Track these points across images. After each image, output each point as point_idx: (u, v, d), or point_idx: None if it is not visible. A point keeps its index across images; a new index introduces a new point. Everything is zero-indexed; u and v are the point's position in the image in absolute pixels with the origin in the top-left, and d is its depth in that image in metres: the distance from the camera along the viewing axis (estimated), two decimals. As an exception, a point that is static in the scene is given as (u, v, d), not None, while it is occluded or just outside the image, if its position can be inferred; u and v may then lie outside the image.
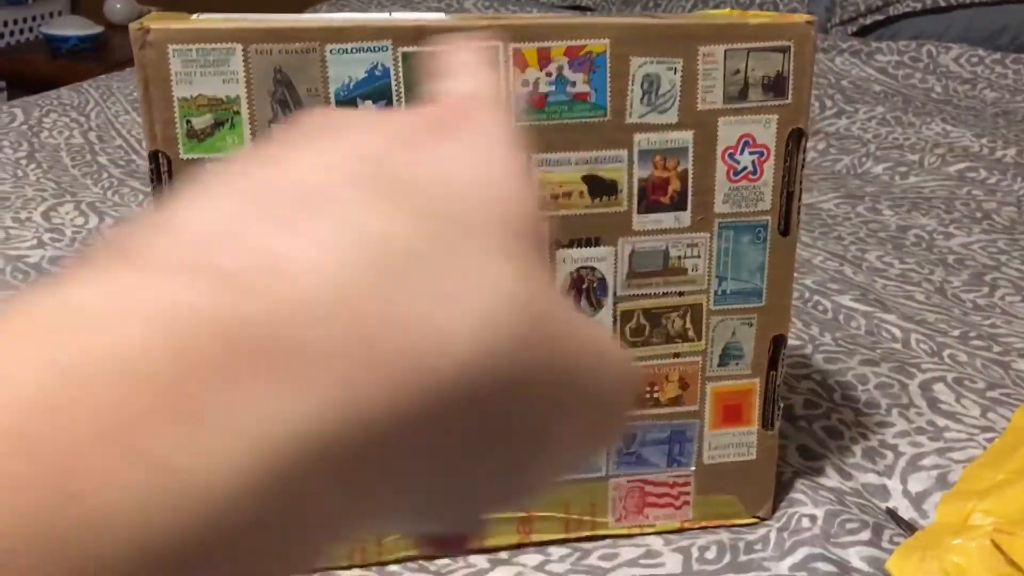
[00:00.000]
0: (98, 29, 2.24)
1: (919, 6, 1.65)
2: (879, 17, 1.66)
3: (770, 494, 0.59)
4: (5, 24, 2.39)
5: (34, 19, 2.47)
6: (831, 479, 0.62)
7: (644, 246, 0.53)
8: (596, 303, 0.53)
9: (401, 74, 0.48)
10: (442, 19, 0.49)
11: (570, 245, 0.52)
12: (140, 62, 0.45)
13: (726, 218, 0.53)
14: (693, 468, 0.57)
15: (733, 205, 0.53)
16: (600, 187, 0.51)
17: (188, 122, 0.46)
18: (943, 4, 1.63)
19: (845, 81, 1.44)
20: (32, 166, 1.09)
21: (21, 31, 2.43)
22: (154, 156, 0.47)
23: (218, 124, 0.47)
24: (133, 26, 0.45)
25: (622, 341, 0.54)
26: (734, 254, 0.54)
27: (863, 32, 1.67)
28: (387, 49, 0.47)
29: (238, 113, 0.47)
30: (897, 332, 0.78)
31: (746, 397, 0.57)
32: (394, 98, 0.48)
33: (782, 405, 0.58)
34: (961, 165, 1.14)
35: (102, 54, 2.19)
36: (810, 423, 0.67)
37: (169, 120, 0.46)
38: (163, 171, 0.47)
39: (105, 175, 1.08)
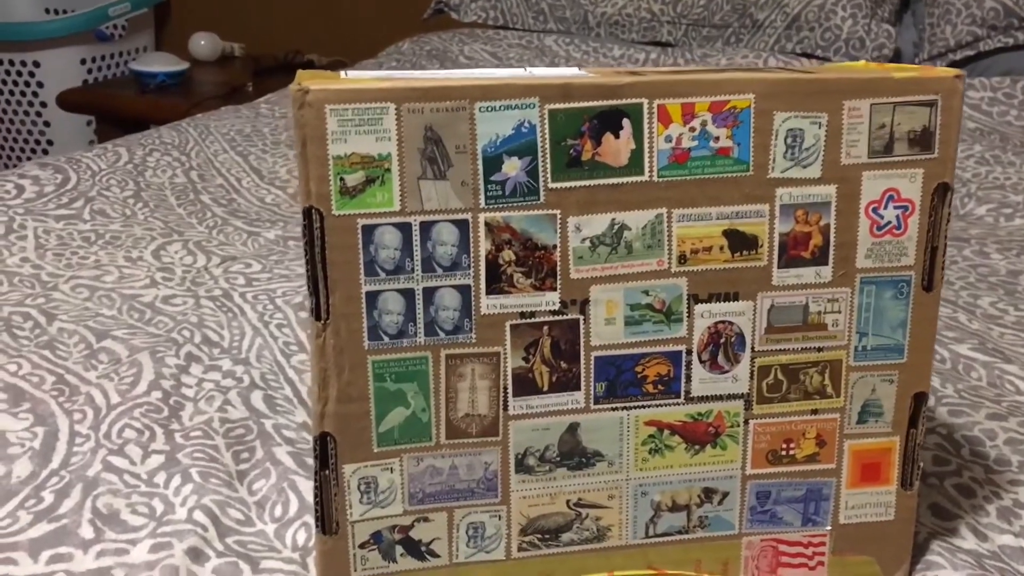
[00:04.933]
0: (184, 66, 2.31)
1: (1011, 41, 1.62)
2: (969, 53, 1.63)
3: (907, 556, 0.57)
4: (94, 60, 2.48)
5: (120, 55, 2.55)
6: (967, 540, 0.60)
7: (783, 301, 0.52)
8: (733, 358, 0.53)
9: (547, 130, 0.48)
10: (585, 76, 0.50)
11: (709, 299, 0.51)
12: (299, 122, 0.46)
13: (868, 273, 0.52)
14: (829, 527, 0.56)
15: (876, 260, 0.52)
16: (741, 241, 0.51)
17: (341, 179, 0.47)
18: (1037, 38, 1.60)
19: (938, 117, 1.41)
20: (140, 205, 1.12)
21: (108, 66, 2.52)
22: (308, 212, 0.47)
23: (369, 181, 0.47)
24: (293, 87, 0.46)
25: (759, 396, 0.53)
26: (876, 309, 0.53)
27: (952, 67, 1.64)
28: (534, 106, 0.48)
29: (388, 170, 0.47)
30: (1021, 384, 0.76)
31: (885, 455, 0.55)
32: (539, 154, 0.48)
33: (921, 464, 0.56)
34: (1069, 205, 1.11)
35: (187, 90, 2.26)
36: (941, 480, 0.65)
37: (323, 177, 0.47)
38: (316, 227, 0.48)
39: (209, 214, 1.10)
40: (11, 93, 2.47)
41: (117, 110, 2.22)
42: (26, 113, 2.48)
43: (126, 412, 0.71)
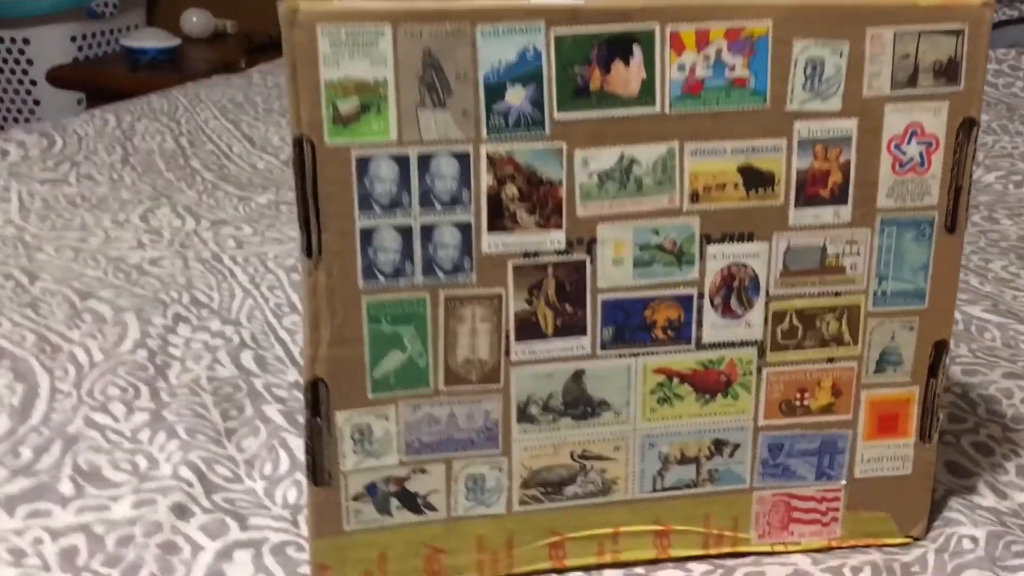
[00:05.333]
0: (176, 42, 2.27)
1: (1015, 14, 1.59)
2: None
3: (925, 512, 0.55)
4: (84, 37, 2.44)
5: (111, 32, 2.51)
6: (986, 498, 0.57)
7: (800, 242, 0.50)
8: (747, 302, 0.50)
9: (554, 57, 0.45)
10: None
11: (722, 240, 0.49)
12: (288, 43, 0.43)
13: (889, 213, 0.50)
14: (844, 482, 0.54)
15: (897, 199, 0.49)
16: (756, 179, 0.48)
17: (334, 106, 0.44)
18: (1043, 11, 1.57)
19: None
20: (127, 169, 1.09)
21: (99, 44, 2.48)
22: (298, 142, 0.45)
23: (364, 109, 0.45)
24: (283, 7, 0.43)
25: (773, 343, 0.51)
26: (896, 252, 0.50)
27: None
28: (539, 31, 0.45)
29: (384, 97, 0.45)
30: (1036, 344, 0.74)
31: (903, 406, 0.53)
32: (545, 82, 0.46)
33: (941, 417, 0.54)
34: (1079, 174, 1.09)
35: (179, 66, 2.22)
36: (957, 438, 0.62)
37: (315, 103, 0.44)
38: (307, 158, 0.45)
39: (199, 179, 1.08)
40: (0, 71, 2.43)
41: (107, 86, 2.18)
42: (16, 91, 2.44)
43: (110, 370, 0.69)
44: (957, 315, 0.78)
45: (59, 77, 2.24)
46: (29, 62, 2.40)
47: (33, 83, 2.41)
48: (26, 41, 2.38)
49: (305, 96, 0.44)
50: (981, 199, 1.05)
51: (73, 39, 2.40)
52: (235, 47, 2.36)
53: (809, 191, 0.49)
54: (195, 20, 2.44)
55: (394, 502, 0.50)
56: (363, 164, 0.45)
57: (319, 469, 0.49)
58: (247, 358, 0.72)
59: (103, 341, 0.73)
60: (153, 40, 2.25)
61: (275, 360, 0.72)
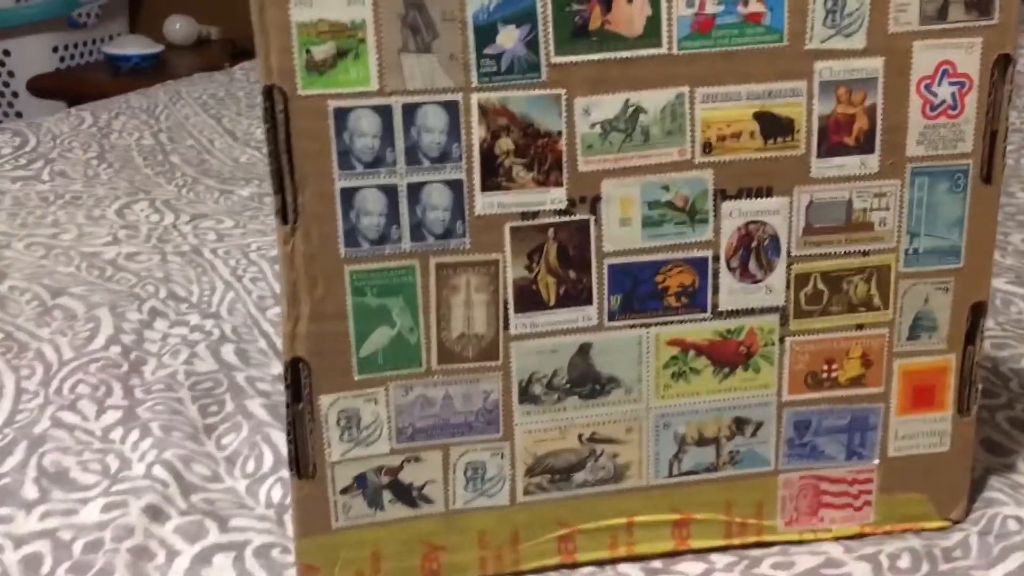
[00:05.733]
0: (159, 48, 2.23)
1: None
2: None
3: (964, 493, 0.50)
4: (66, 47, 2.40)
5: (94, 42, 2.47)
6: (1028, 476, 0.53)
7: (824, 196, 0.45)
8: (767, 264, 0.46)
9: (549, -7, 0.41)
10: (591, -67, 0.43)
11: (738, 195, 0.45)
12: (254, -21, 0.39)
13: (920, 162, 0.45)
14: (876, 461, 0.49)
15: (929, 147, 0.45)
16: (774, 126, 0.44)
17: (307, 51, 0.40)
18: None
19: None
20: (103, 166, 1.04)
21: (82, 54, 2.44)
22: (268, 92, 0.40)
23: (341, 54, 0.40)
24: (246, -63, 0.39)
25: (796, 310, 0.46)
26: (929, 206, 0.46)
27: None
28: (532, -36, 0.41)
29: (363, 41, 0.40)
30: (1067, 316, 0.69)
31: (940, 377, 0.49)
32: (539, 22, 0.41)
33: (980, 387, 0.49)
34: (1093, 146, 1.05)
35: (162, 73, 2.18)
36: (992, 414, 0.58)
37: (286, 48, 0.40)
38: (279, 109, 0.40)
39: (179, 174, 1.03)
40: (-19, 83, 2.39)
41: (90, 94, 2.13)
42: (-3, 103, 2.40)
43: (80, 368, 0.64)
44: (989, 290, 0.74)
45: (40, 86, 2.19)
46: (11, 74, 2.35)
47: (15, 95, 2.37)
48: (7, 52, 2.34)
49: (275, 41, 0.40)
50: (994, 174, 1.01)
51: (55, 49, 2.36)
52: (219, 53, 2.32)
53: (832, 139, 0.44)
54: (178, 27, 2.40)
55: (386, 495, 0.46)
56: (341, 116, 0.41)
57: (303, 460, 0.45)
58: (228, 352, 0.67)
59: (74, 338, 0.68)
60: (135, 47, 2.21)
61: (258, 353, 0.68)
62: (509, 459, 0.46)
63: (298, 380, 0.44)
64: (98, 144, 1.11)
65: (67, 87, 2.17)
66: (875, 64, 0.44)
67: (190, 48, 2.40)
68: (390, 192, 0.42)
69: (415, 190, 0.42)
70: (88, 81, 2.15)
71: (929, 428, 0.49)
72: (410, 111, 0.41)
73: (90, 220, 0.90)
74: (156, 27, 2.54)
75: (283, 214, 0.42)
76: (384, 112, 0.41)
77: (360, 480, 0.45)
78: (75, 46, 2.43)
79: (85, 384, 0.62)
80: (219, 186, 1.00)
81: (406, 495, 0.46)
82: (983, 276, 0.47)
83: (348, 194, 0.42)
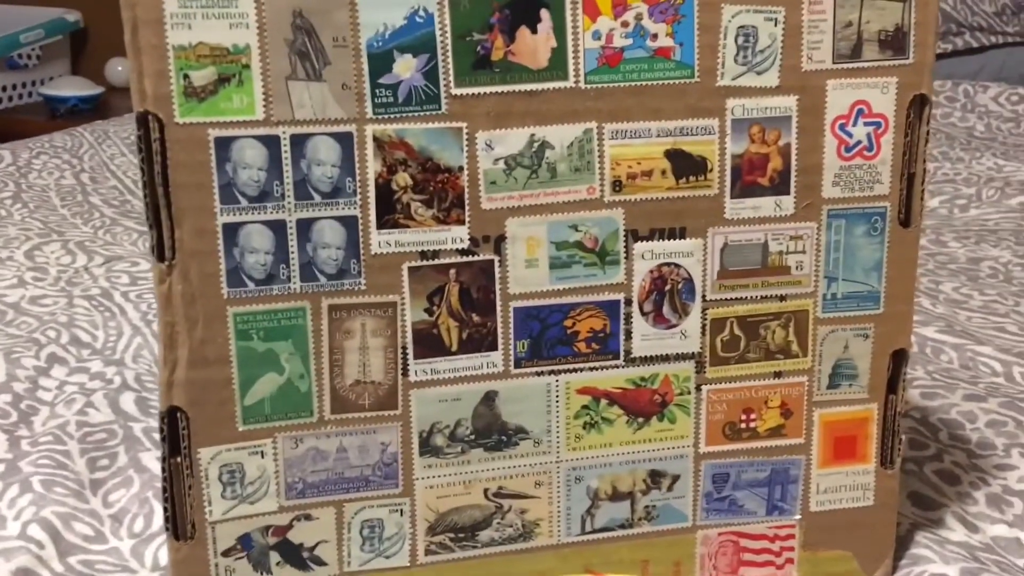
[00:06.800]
0: (99, 90, 2.19)
1: (949, 48, 1.59)
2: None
3: (890, 549, 0.48)
4: (4, 89, 2.34)
5: (33, 83, 2.42)
6: (955, 531, 0.51)
7: (738, 238, 0.43)
8: (681, 309, 0.44)
9: (448, 21, 0.39)
10: (495, -38, 0.41)
11: (650, 236, 0.43)
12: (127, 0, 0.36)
13: (837, 204, 0.44)
14: (798, 516, 0.47)
15: (845, 188, 0.44)
16: (686, 164, 0.42)
17: (186, 76, 0.37)
18: (975, 46, 1.57)
19: (880, 121, 1.37)
20: (18, 206, 1.00)
21: (20, 96, 2.38)
22: (143, 120, 0.37)
23: (223, 80, 0.38)
24: (119, -45, 0.36)
25: (712, 356, 0.44)
26: (846, 249, 0.44)
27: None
28: (431, -9, 0.39)
29: (248, 67, 0.38)
30: (997, 365, 0.68)
31: (862, 427, 0.47)
32: (439, 51, 0.39)
33: (903, 438, 0.47)
34: (1023, 198, 1.06)
35: (102, 114, 2.13)
36: (919, 466, 0.56)
37: (162, 73, 0.37)
38: (154, 139, 0.38)
39: (97, 215, 0.99)
40: (-89, 124, 2.31)
41: (24, 136, 2.08)
42: (-72, 143, 2.32)
43: (-37, 417, 0.60)
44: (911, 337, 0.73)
45: (-28, 127, 2.13)
46: (-56, 115, 2.29)
47: (-53, 136, 2.30)
48: (-59, 93, 2.28)
49: (149, 64, 0.37)
50: (927, 223, 1.01)
51: (-7, 90, 2.30)
52: (162, 96, 2.28)
53: (746, 179, 0.43)
54: (120, 69, 2.36)
55: (274, 557, 0.42)
56: (223, 146, 0.38)
57: (180, 520, 0.41)
58: (127, 401, 0.63)
59: (-40, 386, 0.63)
60: (74, 88, 2.17)
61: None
62: (409, 516, 0.43)
63: (176, 431, 0.40)
64: (15, 183, 1.06)
65: (2, 128, 2.11)
66: (788, 102, 0.42)
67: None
68: (278, 228, 0.39)
69: (305, 226, 0.39)
70: (24, 122, 2.10)
71: (852, 481, 0.47)
72: (299, 142, 0.39)
73: (-4, 261, 0.85)
74: (98, 70, 2.50)
75: (159, 251, 0.38)
76: (271, 143, 0.38)
77: (244, 541, 0.42)
78: (14, 87, 2.37)
79: (-34, 435, 0.58)
80: (138, 227, 0.96)
81: (296, 557, 0.42)
82: (904, 322, 0.46)
83: (231, 230, 0.39)
